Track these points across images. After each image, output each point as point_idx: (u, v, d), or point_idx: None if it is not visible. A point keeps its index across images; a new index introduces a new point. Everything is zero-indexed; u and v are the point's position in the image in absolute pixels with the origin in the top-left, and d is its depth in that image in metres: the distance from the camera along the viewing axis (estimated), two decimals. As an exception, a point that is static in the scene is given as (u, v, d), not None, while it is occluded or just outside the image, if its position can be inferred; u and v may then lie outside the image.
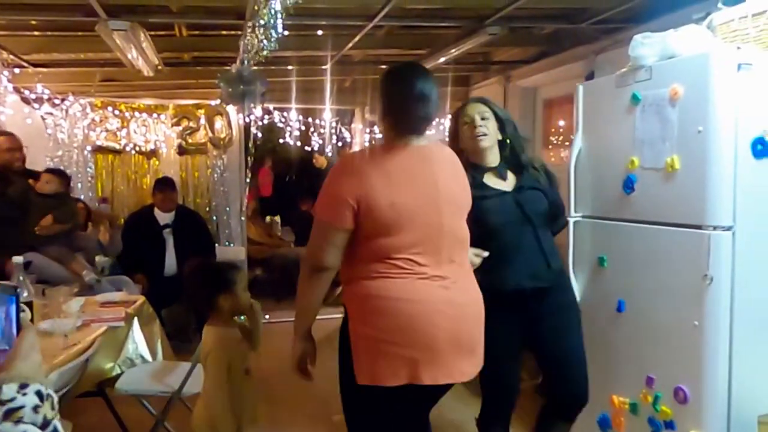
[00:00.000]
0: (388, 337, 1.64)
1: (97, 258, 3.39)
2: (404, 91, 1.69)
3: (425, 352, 1.65)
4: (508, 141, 2.20)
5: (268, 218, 7.05)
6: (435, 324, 1.65)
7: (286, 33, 2.13)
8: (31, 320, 2.17)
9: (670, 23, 2.26)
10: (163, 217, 4.72)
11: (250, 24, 2.14)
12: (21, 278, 2.15)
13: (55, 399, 0.98)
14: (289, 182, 7.79)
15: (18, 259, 2.15)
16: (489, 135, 2.14)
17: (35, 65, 3.84)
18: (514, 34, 4.07)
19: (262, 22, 1.98)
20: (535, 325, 2.13)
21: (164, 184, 4.74)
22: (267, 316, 5.63)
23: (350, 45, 3.57)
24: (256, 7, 1.97)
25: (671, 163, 2.06)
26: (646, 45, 2.17)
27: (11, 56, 3.47)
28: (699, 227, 1.98)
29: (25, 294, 2.17)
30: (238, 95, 3.21)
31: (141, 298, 3.06)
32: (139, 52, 3.13)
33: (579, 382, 2.19)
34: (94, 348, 2.21)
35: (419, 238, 1.67)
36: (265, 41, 2.09)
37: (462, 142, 2.18)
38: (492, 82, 5.34)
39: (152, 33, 3.57)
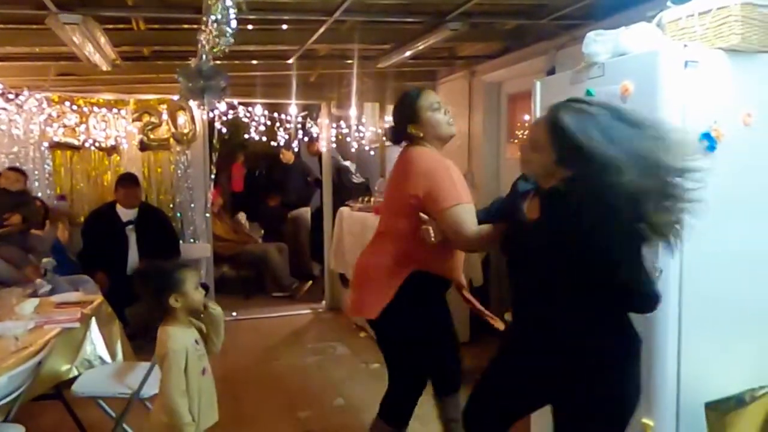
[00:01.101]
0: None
1: (43, 260, 3.32)
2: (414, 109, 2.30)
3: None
4: None
5: (240, 214, 6.98)
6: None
7: (238, 28, 2.10)
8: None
9: (627, 20, 2.30)
10: (126, 214, 4.63)
11: (204, 19, 2.10)
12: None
13: None
14: (259, 177, 7.71)
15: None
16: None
17: (-15, 59, 3.71)
18: (477, 29, 4.09)
19: (213, 17, 1.95)
20: None
21: (127, 180, 4.65)
22: (234, 314, 5.60)
23: (312, 39, 3.54)
24: (209, 2, 1.94)
25: (623, 159, 2.10)
26: (599, 42, 2.21)
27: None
28: (649, 221, 2.02)
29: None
30: (198, 90, 3.15)
31: (99, 298, 3.01)
32: (94, 47, 3.05)
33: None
34: (46, 350, 2.16)
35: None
36: (219, 37, 2.07)
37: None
38: (457, 76, 5.37)
39: (109, 27, 3.48)
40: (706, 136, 2.00)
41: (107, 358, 2.92)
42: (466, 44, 4.87)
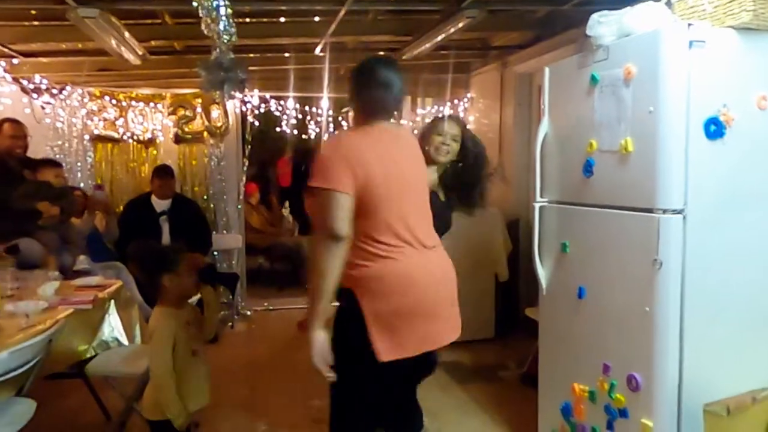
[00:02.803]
0: (405, 309, 1.80)
1: (80, 257, 3.47)
2: (370, 80, 1.88)
3: (433, 316, 1.86)
4: (459, 164, 2.56)
5: (284, 209, 7.10)
6: (436, 290, 1.88)
7: (228, 12, 2.12)
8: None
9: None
10: (160, 204, 4.79)
11: (201, 12, 2.14)
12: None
13: None
14: (304, 172, 7.81)
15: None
16: (450, 153, 2.53)
17: (26, 56, 3.91)
18: (505, 18, 4.00)
19: (195, 4, 1.98)
20: None
21: (163, 172, 4.80)
22: (266, 304, 5.72)
23: (331, 30, 3.55)
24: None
25: (625, 146, 2.00)
26: (603, 24, 2.11)
27: (-1, 46, 3.54)
28: (650, 211, 1.92)
29: (-15, 275, 2.21)
30: (218, 82, 3.21)
31: (118, 283, 3.12)
32: (118, 41, 3.16)
33: None
34: (54, 329, 2.25)
35: (402, 213, 1.83)
36: (215, 23, 2.09)
37: (427, 144, 2.49)
38: (490, 68, 5.27)
39: (138, 21, 3.61)
40: (713, 120, 1.87)
41: (125, 340, 3.02)
42: (498, 34, 4.78)
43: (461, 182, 2.56)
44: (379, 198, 1.79)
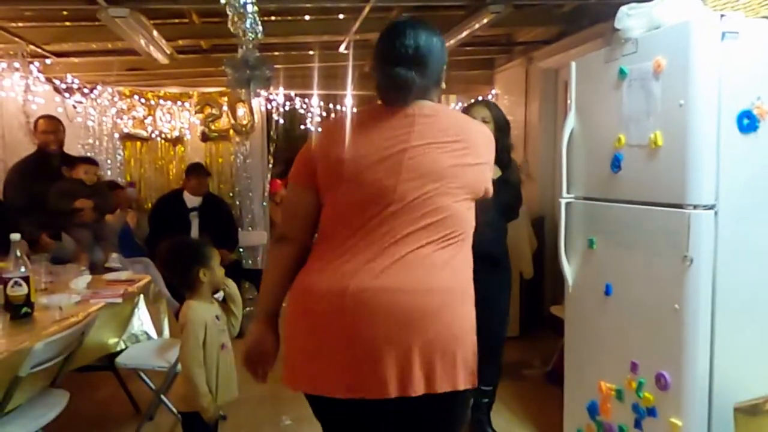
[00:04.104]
0: (301, 332, 1.45)
1: (113, 255, 3.55)
2: (385, 53, 1.45)
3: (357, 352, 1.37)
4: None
5: None
6: (371, 320, 1.35)
7: (255, 10, 2.14)
8: (28, 295, 2.32)
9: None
10: (192, 201, 4.86)
11: (229, 10, 2.17)
12: (18, 254, 2.26)
13: None
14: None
15: (15, 236, 2.26)
16: None
17: (59, 56, 4.01)
18: (528, 12, 3.97)
19: (224, 1, 2.00)
20: None
21: (198, 170, 4.88)
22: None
23: (355, 27, 3.56)
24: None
25: (654, 140, 1.97)
26: (633, 16, 2.07)
27: (32, 46, 3.63)
28: (680, 206, 1.88)
29: (22, 269, 2.27)
30: (244, 80, 3.26)
31: (147, 278, 3.18)
32: (148, 40, 3.22)
33: None
34: (86, 322, 2.31)
35: (357, 201, 1.41)
36: (241, 21, 2.12)
37: None
38: (515, 64, 5.22)
39: (166, 21, 3.67)
40: (747, 114, 1.83)
41: (153, 334, 3.09)
42: (523, 30, 4.74)
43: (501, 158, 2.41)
44: (324, 179, 1.45)
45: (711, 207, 1.84)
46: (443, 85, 1.53)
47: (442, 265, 1.39)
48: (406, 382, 1.35)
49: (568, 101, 2.52)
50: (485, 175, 1.49)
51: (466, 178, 1.44)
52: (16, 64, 3.88)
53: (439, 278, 1.39)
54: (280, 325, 1.54)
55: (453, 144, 1.44)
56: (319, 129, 1.62)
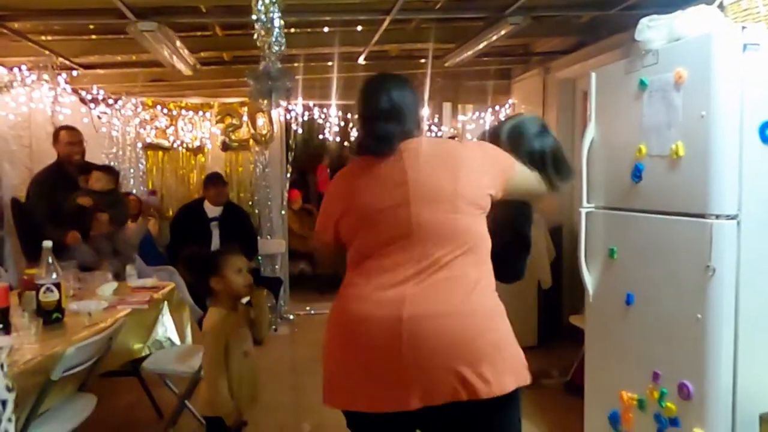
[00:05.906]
0: (338, 352, 1.61)
1: (128, 267, 3.61)
2: (365, 111, 1.61)
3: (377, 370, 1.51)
4: None
5: None
6: (388, 338, 1.47)
7: (282, 25, 2.20)
8: (59, 301, 2.38)
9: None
10: (212, 211, 4.94)
11: (257, 24, 2.22)
12: (50, 261, 2.33)
13: (9, 404, 1.04)
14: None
15: (47, 244, 2.33)
16: None
17: (86, 68, 4.11)
18: (548, 24, 4.00)
19: (255, 17, 2.05)
20: None
21: (217, 180, 4.95)
22: (308, 308, 5.81)
23: (375, 39, 3.61)
24: (251, 3, 2.05)
25: (676, 150, 1.98)
26: (653, 28, 2.10)
27: (61, 59, 3.73)
28: (702, 216, 1.89)
29: (54, 276, 2.33)
30: (266, 91, 3.32)
31: (171, 285, 3.24)
32: (172, 52, 3.30)
33: None
34: (114, 327, 2.36)
35: (382, 242, 1.53)
36: (268, 36, 2.17)
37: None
38: (532, 74, 5.25)
39: (189, 33, 3.76)
40: (769, 125, 1.84)
41: (177, 340, 3.13)
42: (541, 40, 4.77)
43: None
44: (349, 229, 1.59)
45: (733, 217, 1.85)
46: (423, 126, 1.69)
47: (475, 283, 1.51)
48: (466, 387, 1.46)
49: (588, 111, 2.54)
50: (483, 181, 1.56)
51: (468, 190, 1.53)
52: (45, 76, 3.98)
53: (476, 298, 1.51)
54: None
55: (445, 163, 1.56)
56: (332, 184, 1.71)
